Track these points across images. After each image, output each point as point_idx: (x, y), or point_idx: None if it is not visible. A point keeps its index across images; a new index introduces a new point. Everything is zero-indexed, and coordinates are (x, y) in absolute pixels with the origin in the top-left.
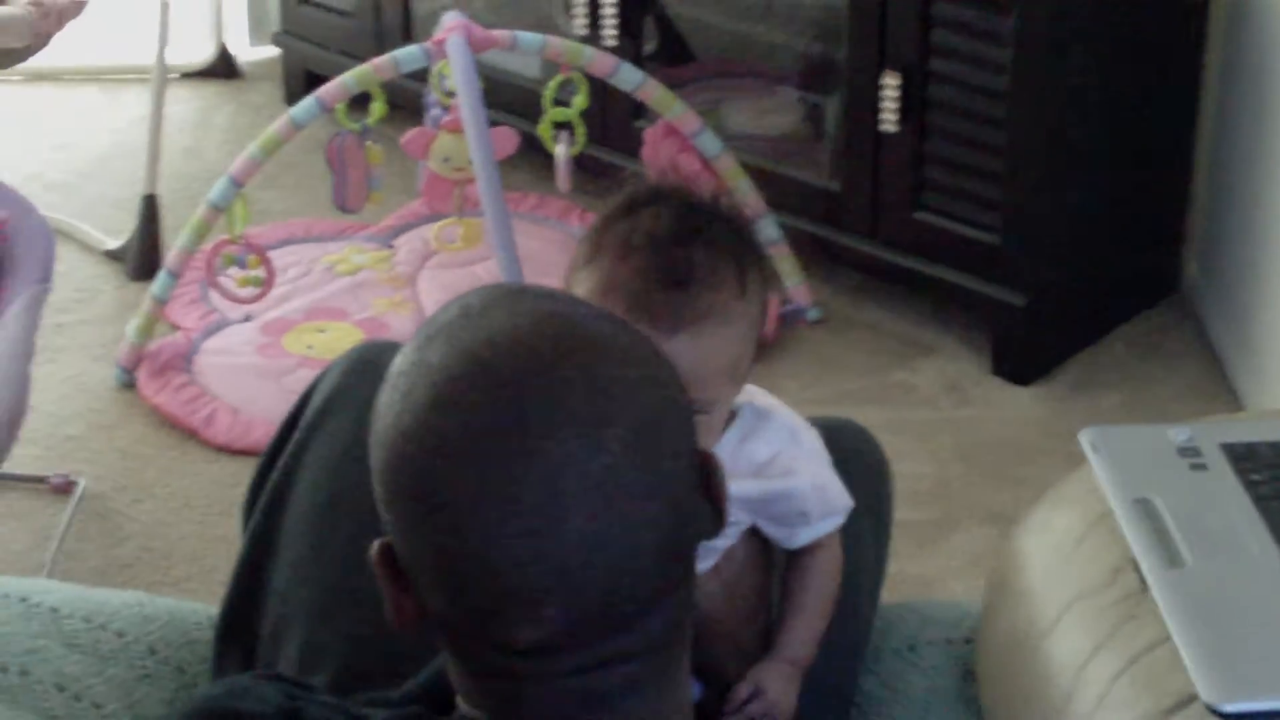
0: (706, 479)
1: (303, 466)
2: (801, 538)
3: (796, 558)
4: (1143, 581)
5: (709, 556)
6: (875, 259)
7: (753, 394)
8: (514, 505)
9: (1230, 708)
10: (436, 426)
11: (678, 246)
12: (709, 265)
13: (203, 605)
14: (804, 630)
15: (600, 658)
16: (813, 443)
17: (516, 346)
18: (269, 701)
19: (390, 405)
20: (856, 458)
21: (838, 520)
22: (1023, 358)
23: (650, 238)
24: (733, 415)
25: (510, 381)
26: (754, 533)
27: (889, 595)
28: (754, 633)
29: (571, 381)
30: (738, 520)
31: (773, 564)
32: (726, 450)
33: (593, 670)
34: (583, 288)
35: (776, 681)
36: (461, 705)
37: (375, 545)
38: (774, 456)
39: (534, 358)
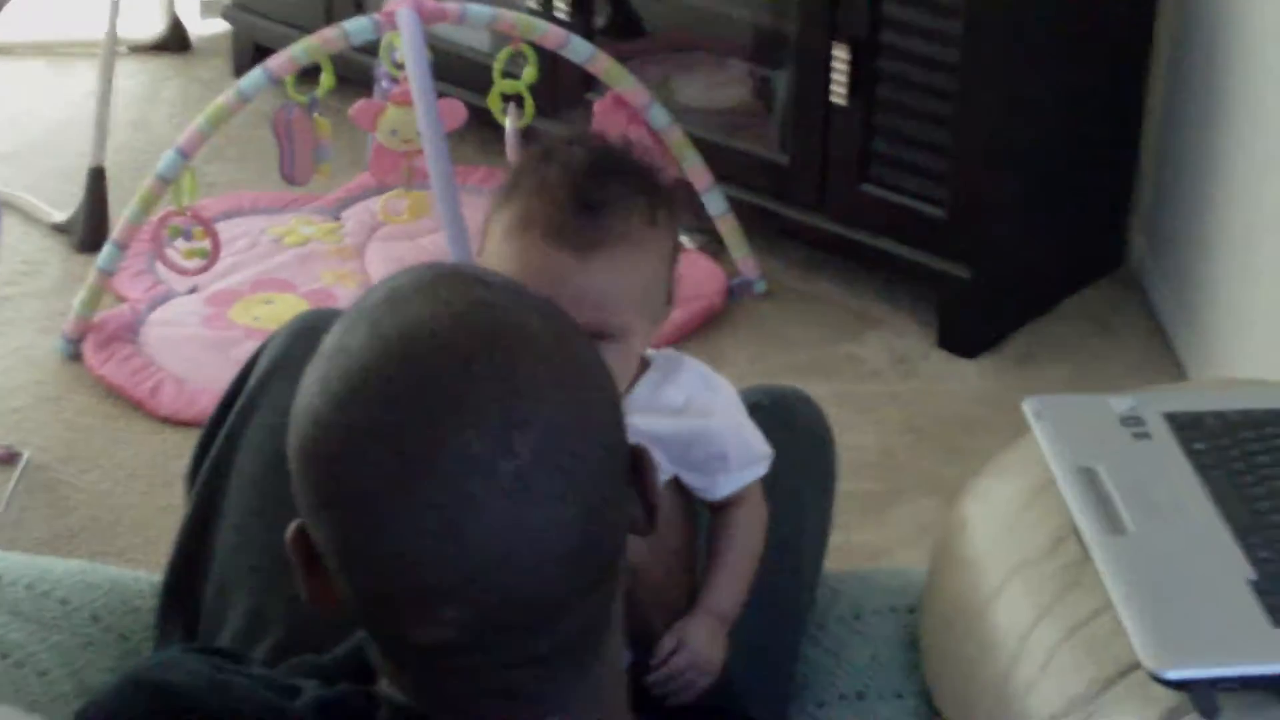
0: (639, 476)
1: (247, 432)
2: (722, 487)
3: (720, 513)
4: (1085, 549)
5: None
6: (823, 232)
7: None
8: (416, 504)
9: (1171, 675)
10: (345, 417)
11: (591, 180)
12: (621, 195)
13: (146, 574)
14: (728, 584)
15: (507, 660)
16: (728, 391)
17: (433, 340)
18: (199, 674)
19: (308, 389)
20: (800, 424)
21: (758, 470)
22: (969, 330)
23: (565, 171)
24: (646, 364)
25: (422, 378)
26: (678, 489)
27: (836, 565)
28: (680, 590)
29: (484, 380)
30: (659, 466)
31: (698, 522)
32: (642, 395)
33: (502, 669)
34: (500, 225)
35: (700, 635)
36: (383, 682)
37: (291, 527)
38: (689, 400)
39: (449, 353)
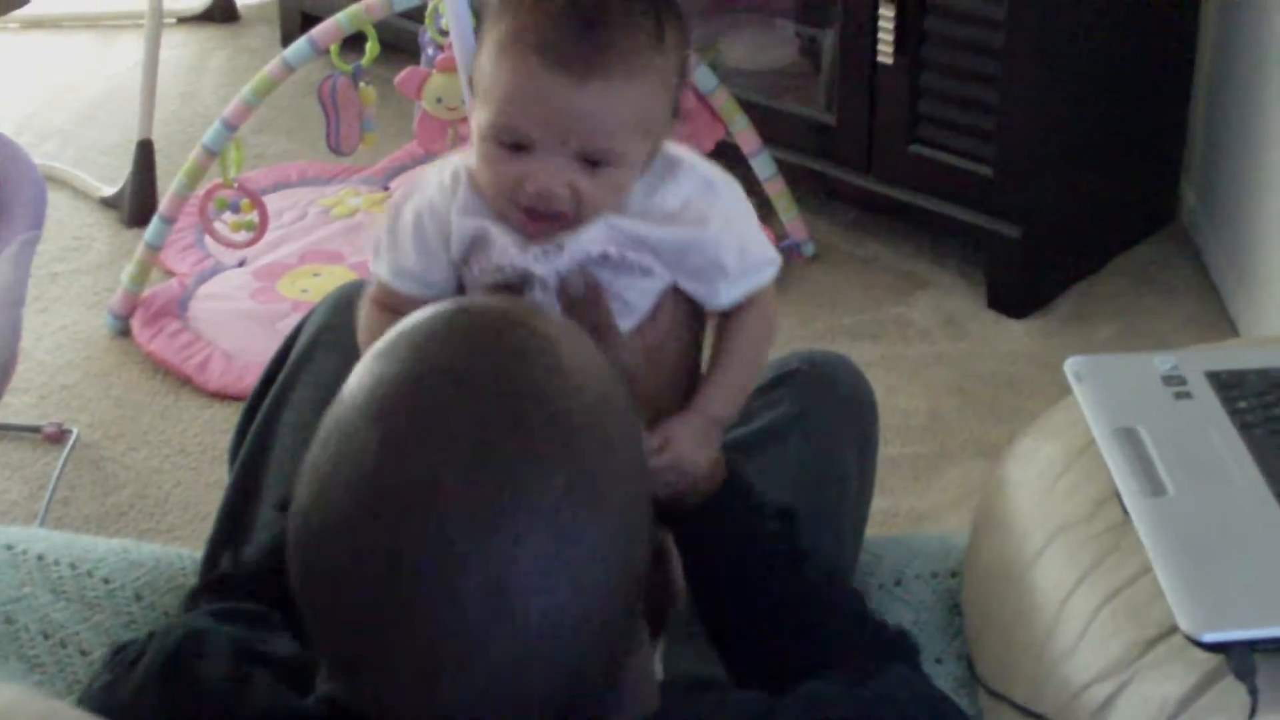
0: (659, 570)
1: (289, 404)
2: (724, 295)
3: (724, 319)
4: (1125, 512)
5: (631, 316)
6: (870, 193)
7: (667, 145)
8: (371, 652)
9: (1209, 637)
10: (322, 539)
11: None
12: (623, 11)
13: (189, 551)
14: (724, 387)
15: None
16: (731, 194)
17: (438, 507)
18: (222, 666)
19: (310, 472)
20: (843, 391)
21: (764, 276)
22: (1018, 290)
23: None
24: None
25: (401, 537)
26: (681, 296)
27: (883, 529)
28: (677, 399)
29: (475, 571)
30: (654, 271)
31: (700, 330)
32: (636, 198)
33: None
34: (493, 40)
35: (687, 435)
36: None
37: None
38: (685, 205)
39: (450, 526)
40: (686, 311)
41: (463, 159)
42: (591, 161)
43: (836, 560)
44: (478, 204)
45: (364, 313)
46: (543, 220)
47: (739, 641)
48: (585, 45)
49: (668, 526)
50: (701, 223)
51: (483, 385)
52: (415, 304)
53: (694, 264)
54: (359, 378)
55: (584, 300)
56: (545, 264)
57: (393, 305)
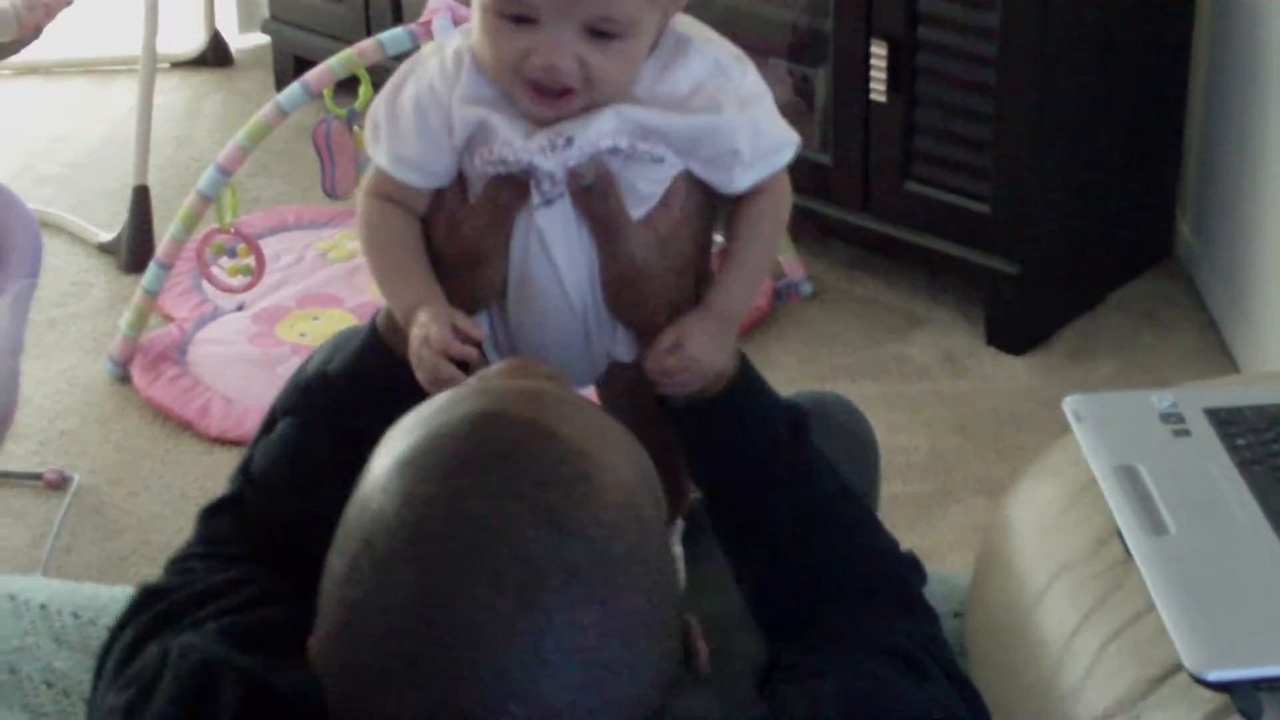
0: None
1: None
2: (739, 181)
3: (739, 204)
4: (1127, 550)
5: (642, 205)
6: (867, 231)
7: (677, 22)
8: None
9: (1213, 676)
10: (359, 669)
11: None
12: None
13: None
14: (738, 282)
15: None
16: (744, 74)
17: (473, 632)
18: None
19: (340, 592)
20: (843, 432)
21: (780, 160)
22: (1017, 327)
23: None
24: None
25: (445, 677)
26: (691, 183)
27: None
28: (689, 289)
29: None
30: (665, 159)
31: (713, 215)
32: (644, 82)
33: None
34: None
35: (700, 335)
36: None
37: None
38: (696, 89)
39: (482, 664)
40: (699, 197)
41: (464, 38)
42: (600, 33)
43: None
44: (481, 89)
45: (363, 207)
46: (550, 96)
47: (749, 546)
48: None
49: (678, 424)
50: (714, 108)
51: (521, 514)
52: (416, 194)
53: (707, 151)
54: (386, 493)
55: (594, 192)
56: (552, 158)
57: (393, 195)
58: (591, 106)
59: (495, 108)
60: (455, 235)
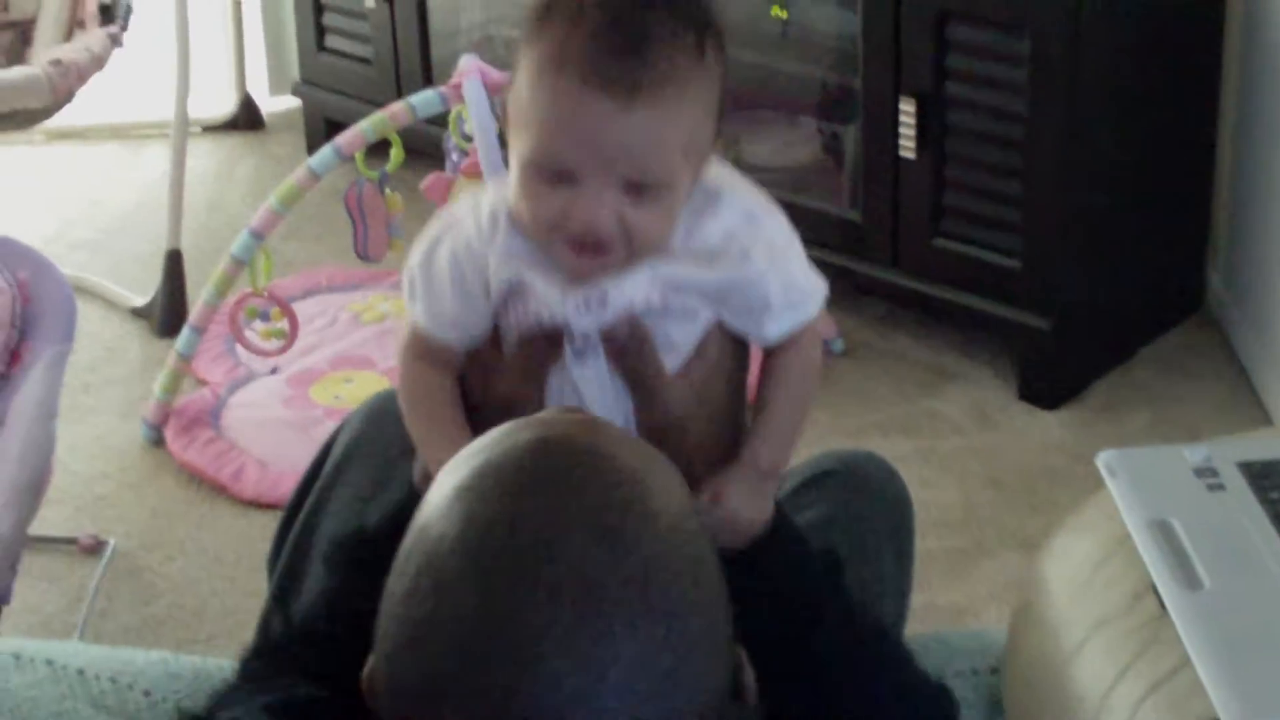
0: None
1: (325, 515)
2: (770, 331)
3: (770, 357)
4: (1162, 605)
5: (676, 356)
6: (898, 288)
7: (708, 172)
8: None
9: None
10: (426, 661)
11: (632, 9)
12: (666, 29)
13: (229, 661)
14: (774, 435)
15: None
16: (774, 224)
17: (538, 649)
18: None
19: (402, 609)
20: (877, 490)
21: (810, 310)
22: (1049, 381)
23: (602, 1)
24: None
25: (505, 690)
26: (724, 331)
27: (922, 624)
28: (726, 435)
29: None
30: (697, 311)
31: (747, 363)
32: (677, 235)
33: None
34: (531, 61)
35: (739, 490)
36: None
37: (366, 672)
38: (728, 240)
39: (545, 669)
40: (732, 344)
41: (499, 195)
42: (638, 189)
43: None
44: (517, 246)
45: (404, 370)
46: (589, 252)
47: (788, 688)
48: (630, 66)
49: None
50: (745, 260)
51: (580, 532)
52: (455, 353)
53: (739, 302)
54: (447, 518)
55: (629, 349)
56: (587, 316)
57: (430, 352)
58: (629, 261)
59: (532, 265)
60: (490, 386)
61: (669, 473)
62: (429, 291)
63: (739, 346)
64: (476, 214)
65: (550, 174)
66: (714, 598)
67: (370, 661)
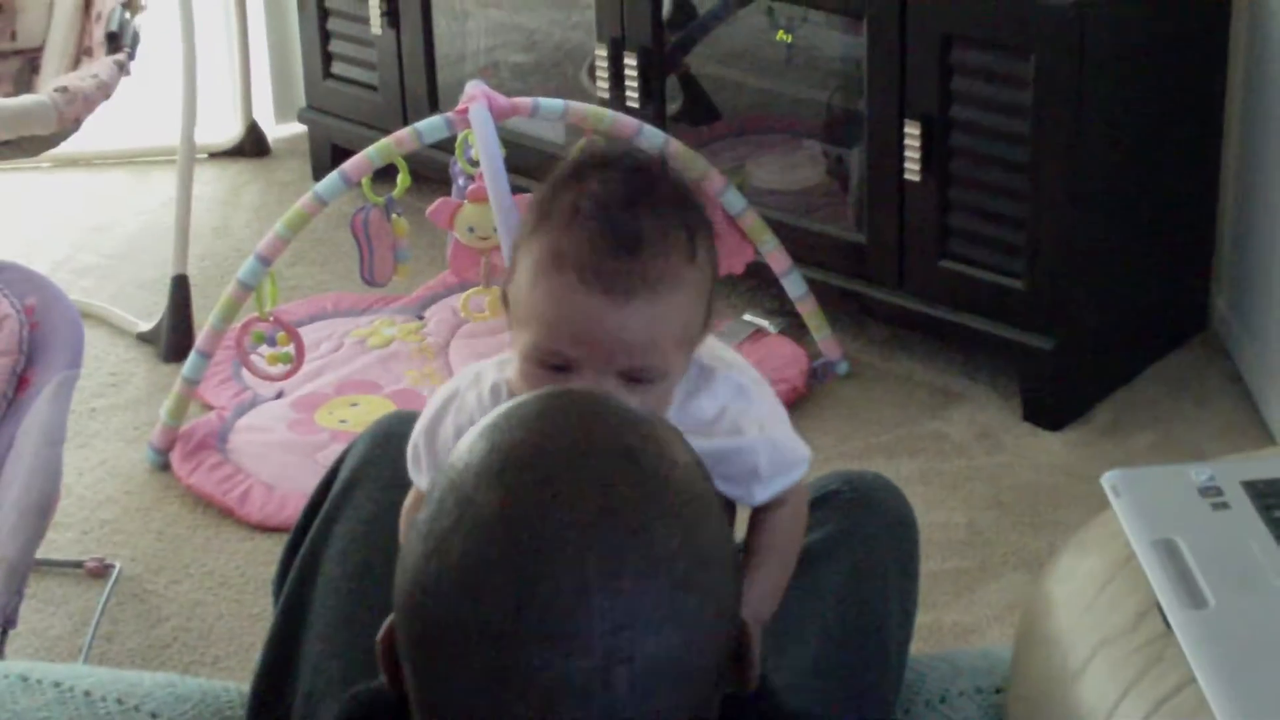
0: (739, 658)
1: (332, 538)
2: (758, 495)
3: (758, 514)
4: (1167, 624)
5: None
6: (903, 310)
7: (699, 351)
8: (502, 702)
9: None
10: (447, 602)
11: (626, 212)
12: (659, 230)
13: (235, 683)
14: (762, 587)
15: None
16: (763, 397)
17: (562, 551)
18: None
19: (427, 534)
20: (883, 511)
21: (795, 475)
22: (1054, 402)
23: (598, 203)
24: None
25: (539, 593)
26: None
27: (927, 644)
28: None
29: (599, 611)
30: None
31: (733, 522)
32: (671, 411)
33: None
34: (530, 259)
35: None
36: None
37: (385, 625)
38: (720, 414)
39: (574, 570)
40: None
41: (500, 373)
42: (635, 378)
43: (881, 681)
44: None
45: (405, 529)
46: None
47: None
48: (626, 267)
49: None
50: (737, 431)
51: (605, 456)
52: None
53: (729, 470)
54: (471, 451)
55: None
56: None
57: None
58: None
59: None
60: None
61: (671, 426)
62: (433, 464)
63: (725, 507)
64: (479, 389)
65: (551, 365)
66: (723, 542)
67: (395, 590)
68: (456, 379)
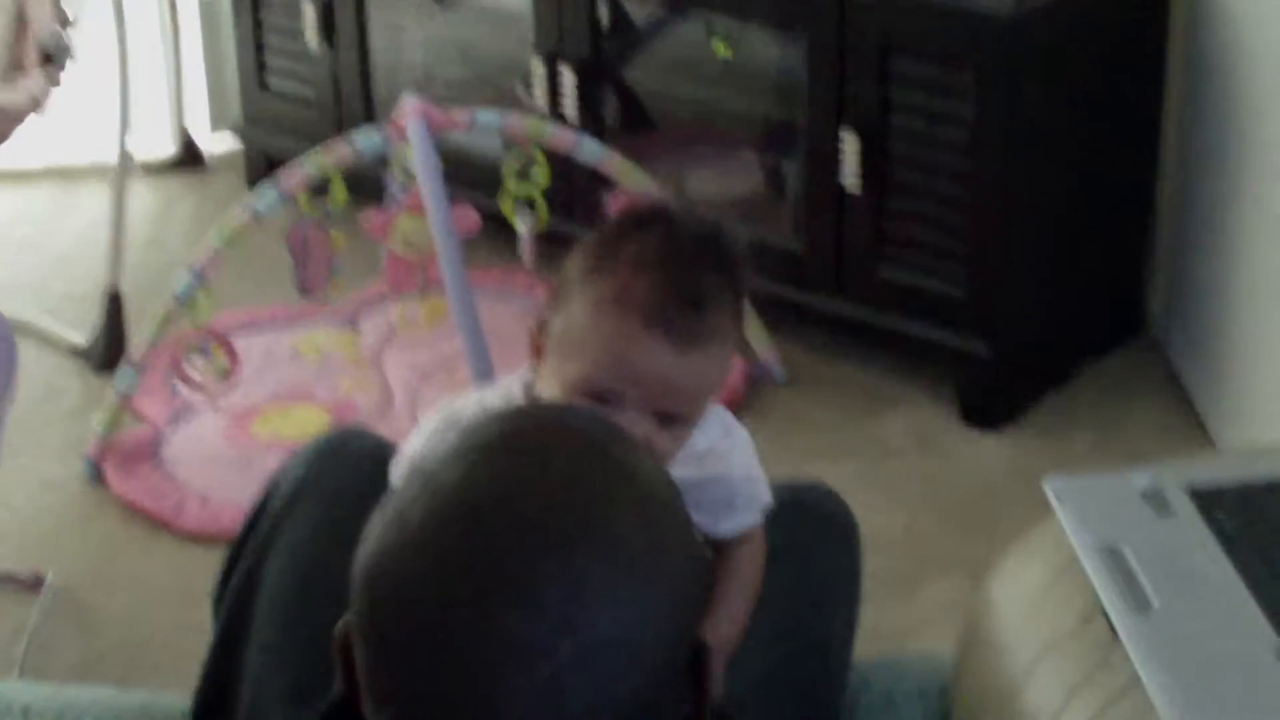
0: (696, 673)
1: (273, 552)
2: (724, 526)
3: (722, 549)
4: (1112, 628)
5: None
6: (840, 316)
7: None
8: (447, 667)
9: None
10: (405, 564)
11: (694, 268)
12: (718, 288)
13: (175, 696)
14: (724, 618)
15: None
16: (744, 438)
17: (513, 518)
18: None
19: (396, 506)
20: (826, 520)
21: (759, 514)
22: (991, 405)
23: (666, 255)
24: None
25: (491, 552)
26: None
27: (865, 647)
28: None
29: (553, 579)
30: None
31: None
32: None
33: None
34: (592, 294)
35: None
36: None
37: (340, 625)
38: (711, 447)
39: (530, 535)
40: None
41: (503, 400)
42: (670, 420)
43: (826, 690)
44: None
45: None
46: None
47: None
48: (691, 319)
49: None
50: (723, 465)
51: (574, 446)
52: None
53: (707, 497)
54: (442, 442)
55: None
56: None
57: None
58: None
59: None
60: None
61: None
62: None
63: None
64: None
65: (594, 396)
66: (686, 539)
67: (355, 564)
68: (459, 404)
